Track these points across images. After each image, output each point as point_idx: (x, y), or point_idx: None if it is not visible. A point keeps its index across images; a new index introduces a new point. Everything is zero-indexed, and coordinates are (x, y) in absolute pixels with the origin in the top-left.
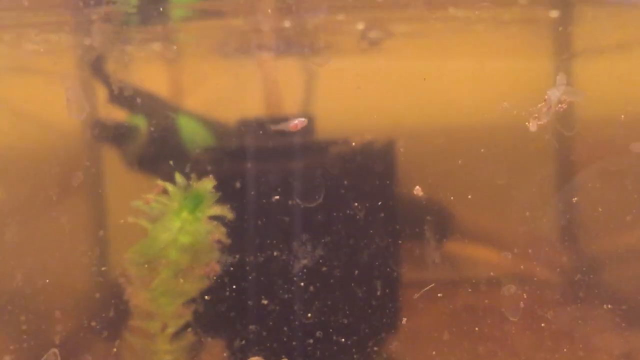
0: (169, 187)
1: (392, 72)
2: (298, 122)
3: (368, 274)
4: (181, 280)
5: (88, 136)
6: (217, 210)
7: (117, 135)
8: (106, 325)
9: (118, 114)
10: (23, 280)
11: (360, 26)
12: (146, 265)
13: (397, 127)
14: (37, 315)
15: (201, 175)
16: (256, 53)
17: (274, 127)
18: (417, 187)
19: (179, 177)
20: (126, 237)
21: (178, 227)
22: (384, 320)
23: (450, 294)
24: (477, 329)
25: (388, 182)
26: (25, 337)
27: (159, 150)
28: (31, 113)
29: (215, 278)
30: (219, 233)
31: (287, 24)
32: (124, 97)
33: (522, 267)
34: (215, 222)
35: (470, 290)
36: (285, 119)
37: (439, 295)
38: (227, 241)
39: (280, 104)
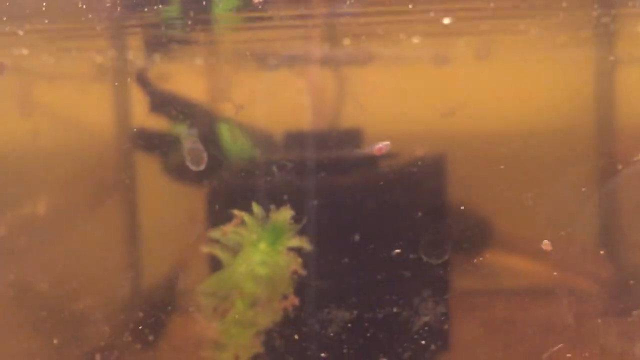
0: (247, 218)
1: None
2: (382, 146)
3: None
4: (256, 312)
5: (126, 145)
6: (297, 241)
7: (159, 145)
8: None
9: (160, 123)
10: (61, 294)
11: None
12: (218, 296)
13: (446, 138)
14: (74, 328)
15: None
16: (304, 63)
17: (357, 151)
18: (546, 241)
19: (256, 208)
20: (160, 246)
21: (257, 261)
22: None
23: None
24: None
25: (437, 197)
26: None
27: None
28: (69, 119)
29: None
30: (296, 264)
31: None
32: (165, 106)
33: (562, 278)
34: (292, 253)
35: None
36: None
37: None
38: (304, 272)
39: (327, 114)
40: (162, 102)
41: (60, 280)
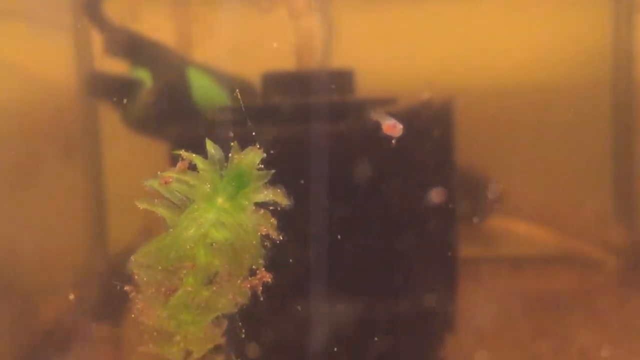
0: (199, 161)
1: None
2: (395, 126)
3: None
4: (212, 292)
5: (84, 93)
6: (269, 194)
7: (116, 91)
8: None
9: (117, 66)
10: (11, 258)
11: None
12: (163, 270)
13: (449, 86)
14: (27, 297)
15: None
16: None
17: (374, 113)
18: None
19: (211, 147)
20: (127, 207)
21: (212, 221)
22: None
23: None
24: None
25: (441, 151)
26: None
27: (165, 109)
28: (19, 67)
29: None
30: (268, 226)
31: None
32: (123, 46)
33: (573, 245)
34: (262, 211)
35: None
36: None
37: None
38: (279, 236)
39: (312, 53)
40: (119, 41)
41: (12, 248)
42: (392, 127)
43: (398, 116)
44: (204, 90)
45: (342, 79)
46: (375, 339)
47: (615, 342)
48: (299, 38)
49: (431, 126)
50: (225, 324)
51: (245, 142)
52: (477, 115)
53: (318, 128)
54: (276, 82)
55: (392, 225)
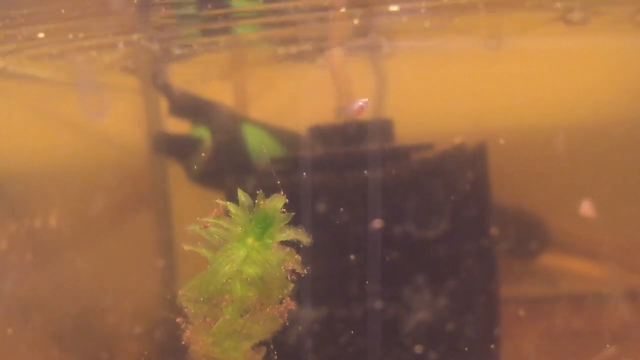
0: (231, 207)
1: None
2: (362, 104)
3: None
4: (246, 320)
5: (151, 151)
6: (291, 234)
7: (180, 149)
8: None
9: (180, 126)
10: (83, 309)
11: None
12: (206, 303)
13: (485, 130)
14: (103, 342)
15: (270, 190)
16: (328, 54)
17: (341, 114)
18: None
19: (242, 195)
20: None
21: (243, 257)
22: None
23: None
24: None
25: (479, 191)
26: None
27: (224, 163)
28: (90, 128)
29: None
30: (293, 261)
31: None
32: (185, 108)
33: (628, 280)
34: (288, 249)
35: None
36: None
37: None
38: (303, 271)
39: (352, 104)
40: (182, 104)
41: (86, 296)
42: (362, 109)
43: (433, 160)
44: (258, 143)
45: (383, 129)
46: None
47: None
48: (338, 89)
49: (466, 168)
50: (264, 350)
51: (294, 189)
52: (531, 156)
53: (361, 175)
54: (321, 134)
55: (437, 268)
